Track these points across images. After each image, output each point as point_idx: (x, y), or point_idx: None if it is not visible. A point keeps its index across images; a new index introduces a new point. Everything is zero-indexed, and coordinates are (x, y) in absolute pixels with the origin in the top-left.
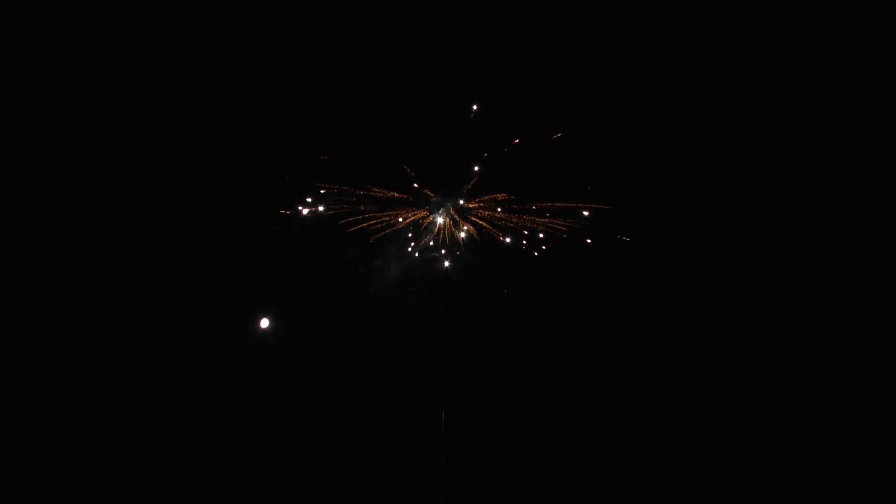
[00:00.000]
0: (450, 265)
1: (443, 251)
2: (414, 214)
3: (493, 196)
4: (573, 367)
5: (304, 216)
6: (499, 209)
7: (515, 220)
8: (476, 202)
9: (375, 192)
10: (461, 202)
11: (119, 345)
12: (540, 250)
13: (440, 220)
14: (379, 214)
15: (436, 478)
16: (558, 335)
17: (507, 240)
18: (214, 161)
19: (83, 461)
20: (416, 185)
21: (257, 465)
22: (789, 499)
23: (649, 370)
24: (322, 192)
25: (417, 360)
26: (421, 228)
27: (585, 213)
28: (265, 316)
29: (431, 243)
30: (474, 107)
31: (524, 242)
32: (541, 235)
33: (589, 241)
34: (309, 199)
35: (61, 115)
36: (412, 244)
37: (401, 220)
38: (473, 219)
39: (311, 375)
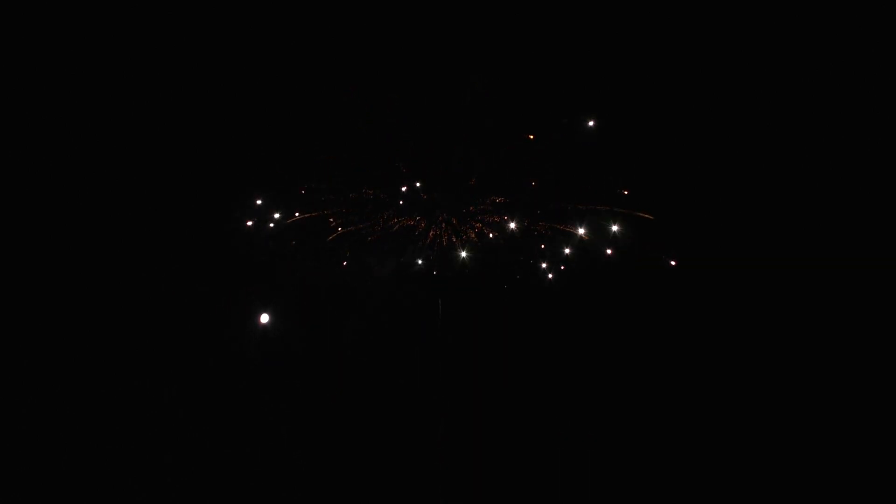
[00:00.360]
0: (449, 266)
1: (441, 255)
2: (413, 220)
3: (493, 198)
4: (574, 367)
5: (303, 217)
6: (502, 216)
7: (514, 223)
8: (476, 206)
9: (370, 194)
10: (462, 208)
11: (119, 345)
12: (542, 255)
13: (438, 225)
14: (376, 217)
15: (435, 477)
16: (559, 334)
17: (506, 242)
18: (214, 161)
19: (83, 461)
20: (406, 187)
21: (257, 465)
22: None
23: (652, 372)
24: (321, 193)
25: (416, 359)
26: (417, 231)
27: (617, 227)
28: (265, 313)
29: (420, 261)
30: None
31: (533, 257)
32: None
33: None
34: (307, 200)
35: (61, 115)
36: (410, 247)
37: (397, 221)
38: (474, 222)
39: (310, 375)
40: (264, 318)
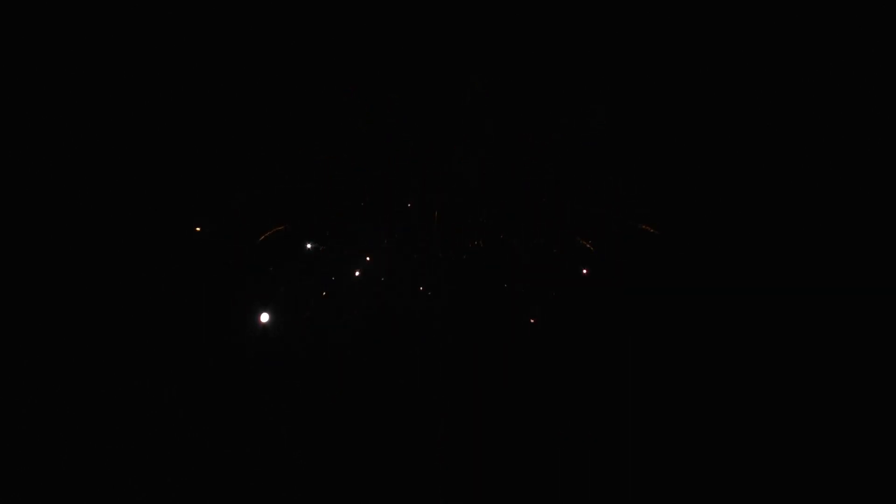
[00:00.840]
0: (450, 266)
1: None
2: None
3: (495, 200)
4: (575, 369)
5: (302, 217)
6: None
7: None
8: (478, 210)
9: (370, 196)
10: (462, 207)
11: (119, 344)
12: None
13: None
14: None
15: (435, 478)
16: (562, 334)
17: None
18: (214, 161)
19: (83, 461)
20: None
21: (257, 465)
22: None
23: (653, 376)
24: (319, 195)
25: (416, 359)
26: (418, 233)
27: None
28: (265, 312)
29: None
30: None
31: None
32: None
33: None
34: (306, 202)
35: (61, 115)
36: (411, 248)
37: (399, 224)
38: (474, 228)
39: (310, 375)
40: (264, 318)
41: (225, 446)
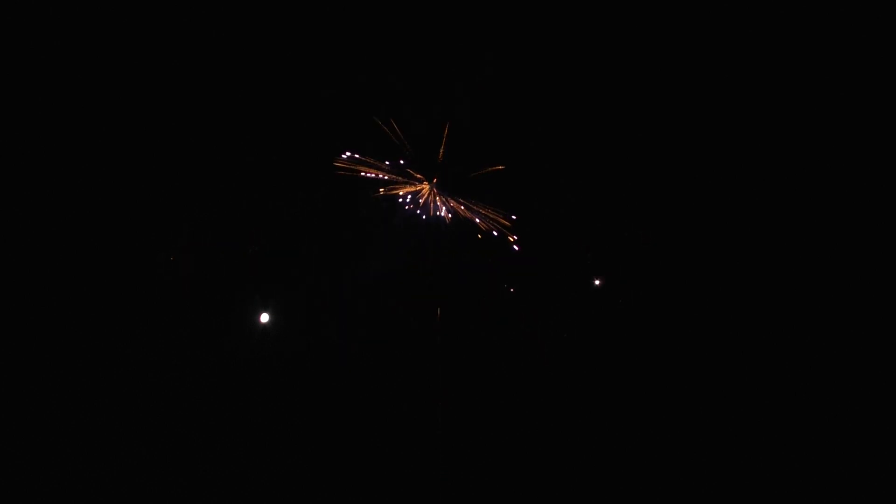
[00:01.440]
0: (443, 261)
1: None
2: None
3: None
4: (573, 369)
5: (301, 212)
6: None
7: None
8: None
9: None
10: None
11: (119, 343)
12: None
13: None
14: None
15: (434, 476)
16: (559, 335)
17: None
18: (214, 159)
19: (83, 460)
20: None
21: (257, 465)
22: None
23: (651, 375)
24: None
25: (414, 357)
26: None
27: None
28: (265, 311)
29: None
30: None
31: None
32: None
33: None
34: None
35: (61, 115)
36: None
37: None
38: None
39: (310, 374)
40: (264, 318)
41: (225, 445)
